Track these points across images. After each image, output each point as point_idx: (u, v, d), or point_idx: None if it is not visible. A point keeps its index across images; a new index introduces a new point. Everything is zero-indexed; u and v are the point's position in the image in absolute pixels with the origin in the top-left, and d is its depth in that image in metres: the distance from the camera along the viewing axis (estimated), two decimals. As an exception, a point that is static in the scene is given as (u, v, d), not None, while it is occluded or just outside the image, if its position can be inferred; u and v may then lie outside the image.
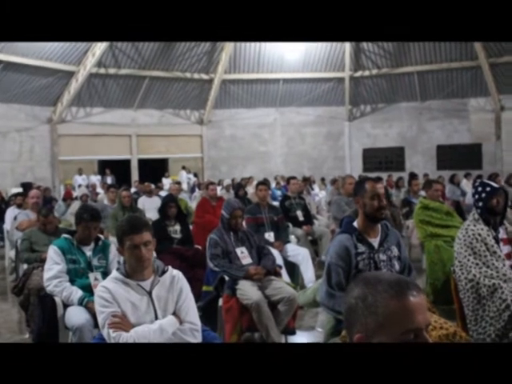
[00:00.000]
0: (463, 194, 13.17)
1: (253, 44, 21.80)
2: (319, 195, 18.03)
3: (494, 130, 22.54)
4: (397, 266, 3.47)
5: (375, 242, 3.45)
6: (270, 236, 6.81)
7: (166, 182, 19.58)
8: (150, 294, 2.85)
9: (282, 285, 4.59)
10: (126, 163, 23.23)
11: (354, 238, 3.40)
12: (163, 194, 13.95)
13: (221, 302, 4.51)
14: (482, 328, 3.89)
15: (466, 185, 15.34)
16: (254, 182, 17.04)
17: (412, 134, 23.90)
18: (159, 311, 2.84)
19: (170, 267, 2.98)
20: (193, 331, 2.86)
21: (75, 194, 14.50)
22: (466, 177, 16.80)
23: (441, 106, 23.07)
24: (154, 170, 22.87)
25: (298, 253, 6.74)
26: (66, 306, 4.01)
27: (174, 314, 2.88)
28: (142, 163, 23.45)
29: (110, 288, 2.79)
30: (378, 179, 3.71)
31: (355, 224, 3.51)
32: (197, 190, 17.21)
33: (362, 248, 3.38)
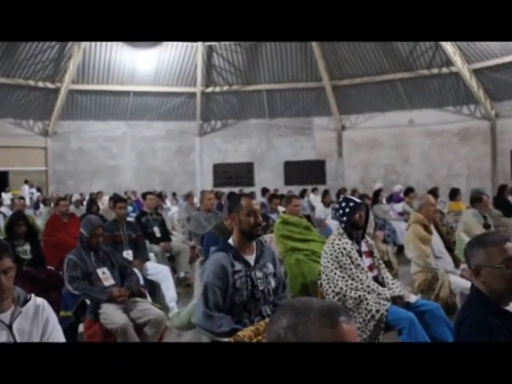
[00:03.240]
0: (312, 208, 13.68)
1: (103, 53, 21.09)
2: (171, 210, 17.83)
3: (336, 148, 23.92)
4: (273, 283, 3.44)
5: (251, 259, 3.39)
6: (128, 254, 6.51)
7: (6, 197, 18.13)
8: (10, 327, 2.48)
9: (147, 306, 4.37)
10: (-42, 177, 21.20)
11: (231, 256, 3.30)
12: (4, 209, 12.93)
13: (81, 328, 4.18)
14: (349, 340, 3.98)
15: (314, 199, 16.00)
16: (104, 197, 16.44)
17: (261, 150, 24.54)
18: (21, 346, 2.49)
19: (33, 295, 2.66)
20: (62, 366, 2.55)
21: None
22: (313, 191, 17.58)
23: (288, 124, 23.97)
24: (-8, 183, 21.11)
25: (159, 271, 6.52)
26: None
27: (40, 348, 2.55)
28: (-22, 177, 21.55)
29: (-39, 324, 2.39)
30: (251, 195, 3.67)
31: (230, 241, 3.42)
32: (42, 205, 16.15)
33: (238, 266, 3.30)
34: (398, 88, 21.85)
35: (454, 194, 11.25)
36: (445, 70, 20.37)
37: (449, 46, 19.20)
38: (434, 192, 11.13)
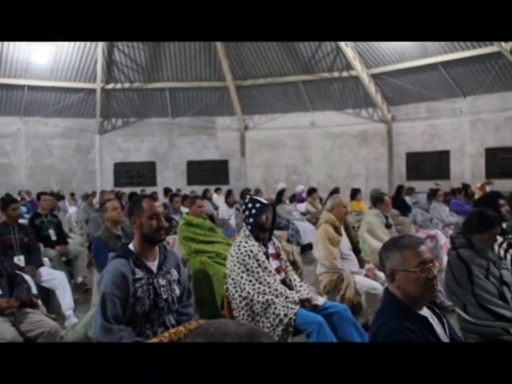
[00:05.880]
0: (215, 208, 13.56)
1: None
2: (69, 211, 17.11)
3: (239, 148, 23.96)
4: (177, 291, 3.23)
5: (153, 265, 3.16)
6: (19, 260, 6.07)
7: None
8: None
9: (40, 317, 4.01)
10: None
11: (131, 263, 3.05)
12: None
13: (-37, 344, 3.76)
14: (256, 346, 3.86)
15: (217, 199, 15.91)
16: (-5, 198, 15.44)
17: (163, 149, 24.11)
18: None
19: None
20: None
21: None
22: (216, 191, 17.46)
23: (191, 123, 23.71)
24: None
25: (54, 277, 6.11)
26: None
27: None
28: None
29: None
30: (154, 197, 3.44)
31: (131, 247, 3.17)
32: None
33: (139, 273, 3.06)
34: (300, 90, 22.19)
35: (355, 193, 11.54)
36: (345, 73, 20.92)
37: (349, 51, 19.74)
38: (335, 192, 11.34)
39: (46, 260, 6.71)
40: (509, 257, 4.50)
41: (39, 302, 4.77)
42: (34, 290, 5.09)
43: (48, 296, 5.97)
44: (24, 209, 13.65)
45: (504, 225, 4.79)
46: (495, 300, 3.51)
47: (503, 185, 16.40)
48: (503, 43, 16.47)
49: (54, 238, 7.55)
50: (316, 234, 5.64)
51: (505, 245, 4.60)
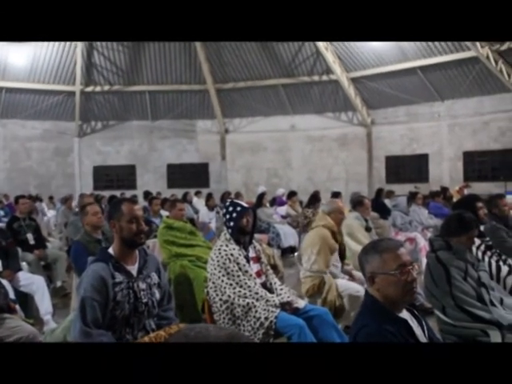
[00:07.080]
0: (196, 211, 13.52)
1: (-31, 46, 19.49)
2: (48, 215, 16.93)
3: (220, 151, 23.95)
4: (157, 295, 3.21)
5: (133, 269, 3.15)
6: (-3, 264, 5.98)
7: None
8: None
9: (18, 323, 3.96)
10: None
11: (111, 267, 3.03)
12: None
13: None
14: (237, 349, 3.85)
15: (197, 203, 15.86)
16: (-28, 201, 15.21)
17: (143, 152, 24.00)
18: None
19: None
20: None
21: None
22: (196, 194, 17.42)
23: (171, 126, 23.64)
24: None
25: (32, 281, 6.03)
26: None
27: None
28: None
29: None
30: (134, 201, 3.42)
31: (110, 250, 3.15)
32: None
33: (119, 277, 3.03)
34: (280, 93, 22.27)
35: (336, 196, 11.56)
36: (325, 77, 21.05)
37: (329, 55, 19.86)
38: (316, 195, 11.39)
39: (24, 264, 6.64)
40: (486, 259, 4.56)
41: (17, 307, 4.71)
42: (12, 295, 5.02)
43: (26, 301, 5.89)
44: (1, 212, 13.51)
45: (482, 227, 4.86)
46: (473, 301, 3.55)
47: (481, 188, 16.65)
48: (480, 48, 16.70)
49: (32, 241, 7.47)
50: (311, 236, 5.46)
51: (483, 247, 4.67)
